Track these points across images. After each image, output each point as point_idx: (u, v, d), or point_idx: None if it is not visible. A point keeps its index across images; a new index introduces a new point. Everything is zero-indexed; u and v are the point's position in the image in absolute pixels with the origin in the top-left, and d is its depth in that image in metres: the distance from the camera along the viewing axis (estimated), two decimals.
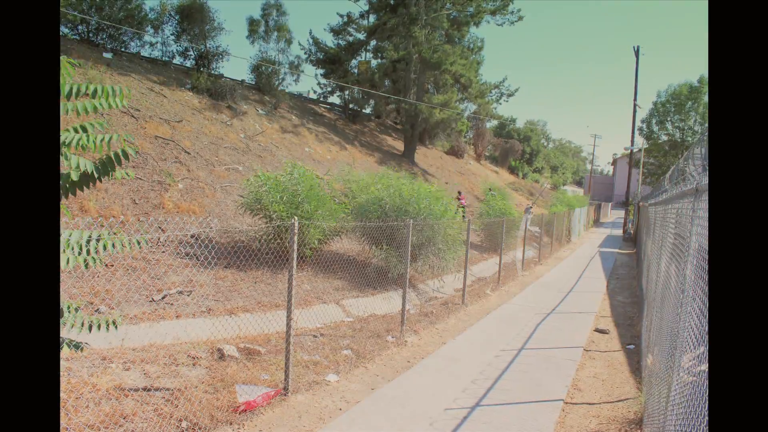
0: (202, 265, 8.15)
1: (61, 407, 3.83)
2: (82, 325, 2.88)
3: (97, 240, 2.72)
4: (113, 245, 2.76)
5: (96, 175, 2.71)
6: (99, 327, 2.98)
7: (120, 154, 2.77)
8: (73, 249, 2.64)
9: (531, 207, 19.49)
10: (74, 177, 2.67)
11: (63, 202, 2.70)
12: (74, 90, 2.75)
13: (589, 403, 5.39)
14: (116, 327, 3.10)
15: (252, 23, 20.98)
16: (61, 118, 2.39)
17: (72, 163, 2.67)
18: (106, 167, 2.75)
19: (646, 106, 41.53)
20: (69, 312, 2.97)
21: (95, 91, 2.85)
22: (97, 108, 2.86)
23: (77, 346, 3.10)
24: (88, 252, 2.67)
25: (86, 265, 2.65)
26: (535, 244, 17.64)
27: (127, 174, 2.92)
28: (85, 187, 2.78)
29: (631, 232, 24.81)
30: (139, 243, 2.93)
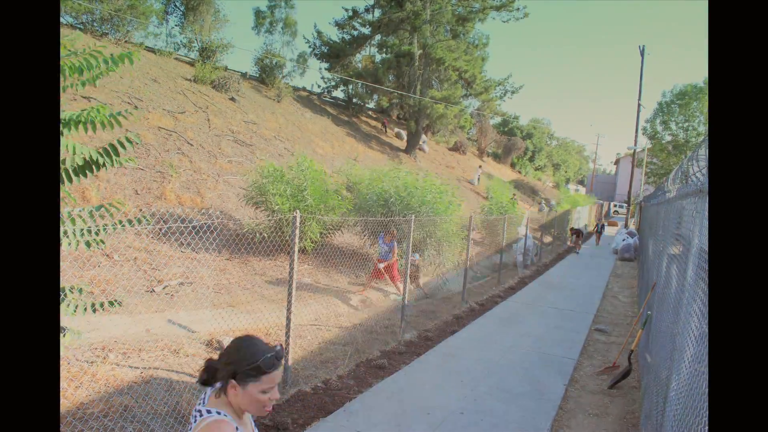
0: (203, 257, 8.17)
1: (60, 395, 3.85)
2: (85, 309, 2.89)
3: (100, 209, 2.72)
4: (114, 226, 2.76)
5: (101, 162, 2.72)
6: (102, 306, 2.98)
7: (124, 141, 2.78)
8: (72, 233, 2.64)
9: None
10: (78, 162, 2.67)
11: (67, 187, 2.71)
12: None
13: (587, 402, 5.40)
14: (119, 305, 3.11)
15: (258, 15, 20.98)
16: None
17: (77, 150, 2.67)
18: (109, 154, 2.75)
19: (651, 106, 41.38)
20: (71, 293, 2.98)
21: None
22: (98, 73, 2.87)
23: (76, 333, 3.11)
24: (94, 234, 2.68)
25: (88, 246, 2.65)
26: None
27: (130, 160, 2.93)
28: (88, 173, 2.78)
29: (635, 229, 24.73)
30: (140, 221, 2.94)
